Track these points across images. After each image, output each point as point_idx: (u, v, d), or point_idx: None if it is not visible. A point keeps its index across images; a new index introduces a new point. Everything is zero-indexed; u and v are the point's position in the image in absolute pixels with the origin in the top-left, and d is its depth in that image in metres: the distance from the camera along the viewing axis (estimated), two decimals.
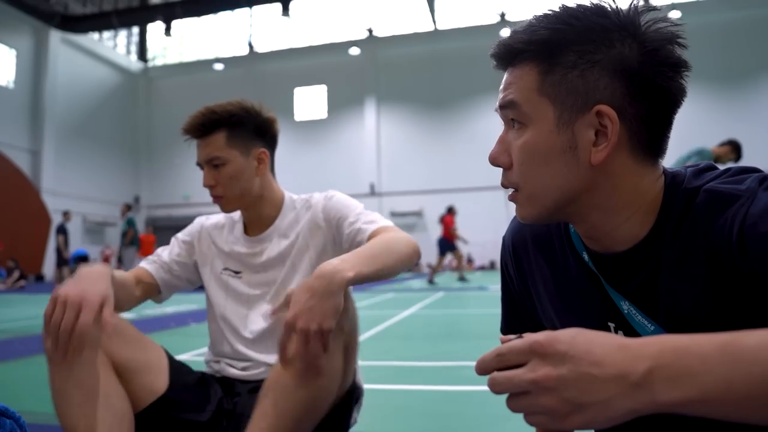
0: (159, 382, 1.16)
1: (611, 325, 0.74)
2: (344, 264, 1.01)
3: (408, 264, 1.21)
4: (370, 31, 23.41)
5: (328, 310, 0.94)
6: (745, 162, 0.81)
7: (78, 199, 20.52)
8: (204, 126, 1.37)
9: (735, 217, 0.61)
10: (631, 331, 0.72)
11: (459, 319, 5.57)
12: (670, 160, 0.78)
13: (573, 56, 0.66)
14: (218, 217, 1.57)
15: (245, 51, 24.87)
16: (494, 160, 0.74)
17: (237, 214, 1.53)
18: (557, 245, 0.81)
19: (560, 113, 0.67)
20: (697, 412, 0.47)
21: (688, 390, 0.46)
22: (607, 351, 0.49)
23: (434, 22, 22.62)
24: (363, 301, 7.51)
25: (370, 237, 1.26)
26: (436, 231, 22.29)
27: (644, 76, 0.65)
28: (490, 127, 21.16)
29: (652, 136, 0.68)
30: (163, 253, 1.51)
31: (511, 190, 0.75)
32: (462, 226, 18.87)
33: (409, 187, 22.25)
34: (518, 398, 0.52)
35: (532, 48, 0.68)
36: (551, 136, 0.68)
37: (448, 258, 13.70)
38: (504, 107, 0.72)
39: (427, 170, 22.12)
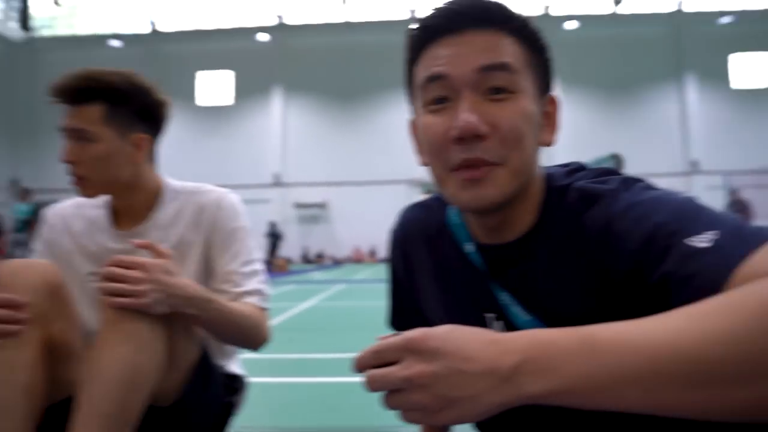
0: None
1: (491, 315, 0.77)
2: (193, 289, 1.03)
3: (242, 345, 1.21)
4: (280, 17, 22.93)
5: (163, 296, 0.96)
6: (629, 161, 0.90)
7: None
8: (79, 92, 1.15)
9: (600, 214, 0.66)
10: (509, 322, 0.75)
11: (359, 310, 5.64)
12: (566, 159, 0.84)
13: (542, 43, 0.71)
14: (69, 206, 1.31)
15: (147, 29, 23.48)
16: (475, 129, 0.65)
17: (97, 200, 1.28)
18: (440, 237, 0.83)
19: (536, 89, 0.70)
20: (565, 404, 0.48)
21: (550, 382, 0.47)
22: (478, 347, 0.50)
23: (345, 13, 22.55)
24: None
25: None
26: (339, 223, 22.40)
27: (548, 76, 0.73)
28: (395, 121, 21.45)
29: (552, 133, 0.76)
30: None
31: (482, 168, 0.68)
32: (366, 219, 19.10)
33: (314, 179, 22.10)
34: (393, 396, 0.52)
35: (514, 23, 0.68)
36: (533, 107, 0.69)
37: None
38: (493, 68, 0.66)
39: (332, 162, 22.08)
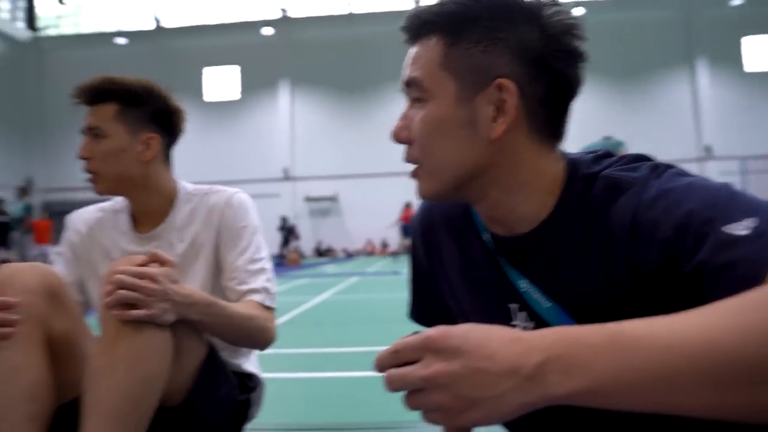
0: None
1: (514, 306, 0.75)
2: (196, 295, 1.04)
3: (248, 345, 1.24)
4: (284, 11, 22.88)
5: (170, 305, 0.97)
6: (641, 148, 0.87)
7: None
8: (96, 92, 1.25)
9: (628, 204, 0.64)
10: (531, 311, 0.73)
11: (372, 303, 5.62)
12: (576, 148, 0.81)
13: (478, 32, 0.68)
14: (92, 211, 1.37)
15: (152, 25, 23.52)
16: (396, 136, 0.74)
17: (119, 204, 1.35)
18: (463, 227, 0.82)
19: (461, 88, 0.69)
20: (591, 404, 0.46)
21: (578, 381, 0.45)
22: (500, 345, 0.48)
23: (350, 5, 22.46)
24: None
25: (238, 300, 1.22)
26: (350, 216, 22.40)
27: (544, 59, 0.68)
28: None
29: (550, 118, 0.71)
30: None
31: (413, 167, 0.75)
32: (377, 211, 19.07)
33: (324, 172, 22.10)
34: (414, 396, 0.50)
35: (439, 20, 0.70)
36: (450, 110, 0.69)
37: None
38: (407, 85, 0.72)
39: (342, 155, 22.07)
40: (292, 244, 17.98)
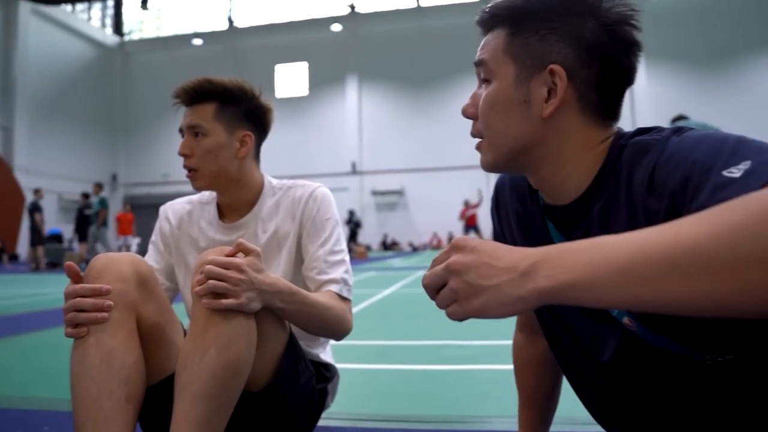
0: (174, 359, 1.08)
1: None
2: (281, 284, 1.07)
3: (326, 335, 1.26)
4: (353, 7, 23.08)
5: (256, 294, 1.01)
6: None
7: (52, 177, 20.09)
8: (196, 93, 1.32)
9: (649, 162, 0.70)
10: None
11: None
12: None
13: (535, 23, 0.78)
14: (182, 203, 1.45)
15: (225, 26, 24.38)
16: (464, 112, 0.85)
17: (207, 196, 1.43)
18: (527, 193, 0.91)
19: (520, 71, 0.79)
20: (575, 299, 0.54)
21: (560, 276, 0.54)
22: (506, 250, 0.59)
23: None
24: None
25: (316, 290, 1.26)
26: (416, 209, 22.41)
27: (597, 46, 0.76)
28: None
29: (601, 101, 0.78)
30: (151, 262, 1.42)
31: (478, 141, 0.85)
32: (444, 204, 18.96)
33: (391, 166, 22.20)
34: (439, 294, 0.62)
35: (505, 14, 0.81)
36: (510, 89, 0.79)
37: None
38: (477, 65, 0.83)
39: (408, 149, 22.08)
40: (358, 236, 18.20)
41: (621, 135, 0.79)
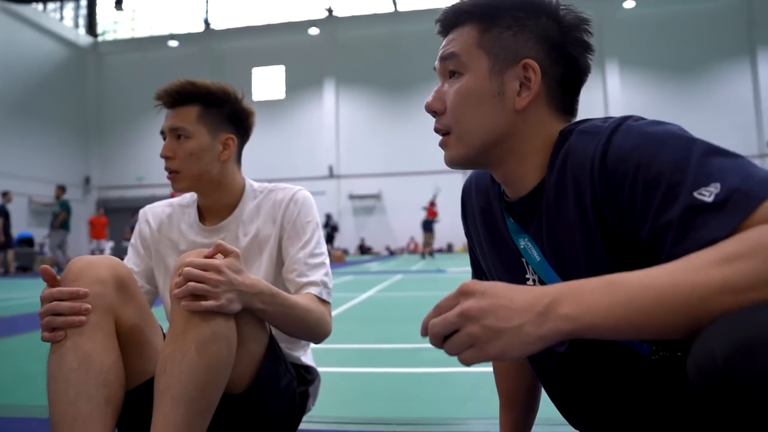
0: (154, 362, 1.06)
1: (524, 260, 0.87)
2: (260, 285, 1.06)
3: (305, 337, 1.25)
4: (330, 10, 23.07)
5: (235, 295, 1.00)
6: None
7: (22, 179, 19.58)
8: (179, 95, 1.31)
9: (597, 144, 0.72)
10: (529, 264, 0.86)
11: (418, 301, 5.62)
12: None
13: (509, 19, 0.81)
14: (162, 206, 1.44)
15: (201, 28, 24.15)
16: (429, 107, 0.86)
17: (187, 199, 1.43)
18: (491, 192, 0.94)
19: (493, 64, 0.81)
20: (593, 335, 0.58)
21: (578, 313, 0.57)
22: (518, 291, 0.61)
23: (394, 3, 22.46)
24: None
25: (296, 292, 1.26)
26: (393, 213, 22.45)
27: (562, 46, 0.81)
28: None
29: (564, 97, 0.84)
30: (130, 264, 1.41)
31: (442, 137, 0.86)
32: (420, 209, 18.99)
33: (368, 170, 22.20)
34: (451, 339, 0.61)
35: (475, 10, 0.83)
36: (484, 82, 0.81)
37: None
38: (445, 58, 0.85)
39: (385, 153, 22.11)
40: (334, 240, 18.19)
41: (567, 127, 0.83)
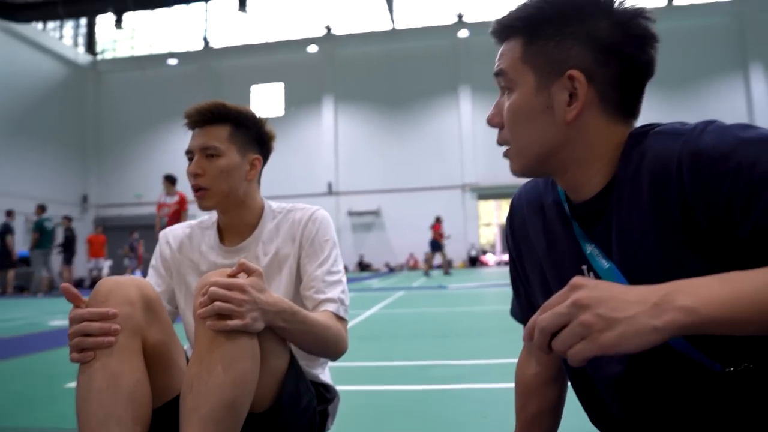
0: (178, 380, 1.07)
1: (585, 267, 0.85)
2: (283, 303, 1.06)
3: (323, 354, 1.27)
4: (329, 28, 23.29)
5: (259, 314, 1.00)
6: None
7: (20, 197, 19.50)
8: (212, 114, 1.34)
9: (684, 144, 0.70)
10: (596, 274, 0.82)
11: (421, 318, 5.58)
12: None
13: (550, 30, 0.79)
14: (182, 228, 1.47)
15: (200, 46, 24.33)
16: (489, 121, 0.87)
17: (206, 222, 1.45)
18: (546, 203, 0.93)
19: (539, 78, 0.80)
20: (707, 328, 0.58)
21: (702, 310, 0.57)
22: (626, 287, 0.61)
23: (392, 21, 22.68)
24: None
25: (314, 309, 1.27)
26: (392, 230, 22.47)
27: (613, 45, 0.77)
28: (446, 127, 21.33)
29: (623, 98, 0.80)
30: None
31: (504, 149, 0.87)
32: (420, 225, 19.02)
33: (367, 187, 22.25)
34: (561, 333, 0.60)
35: (518, 24, 0.82)
36: (531, 98, 0.81)
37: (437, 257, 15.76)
38: (497, 75, 0.85)
39: (384, 169, 22.18)
40: None
41: (636, 129, 0.81)
